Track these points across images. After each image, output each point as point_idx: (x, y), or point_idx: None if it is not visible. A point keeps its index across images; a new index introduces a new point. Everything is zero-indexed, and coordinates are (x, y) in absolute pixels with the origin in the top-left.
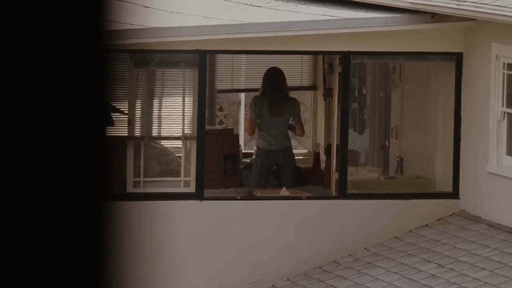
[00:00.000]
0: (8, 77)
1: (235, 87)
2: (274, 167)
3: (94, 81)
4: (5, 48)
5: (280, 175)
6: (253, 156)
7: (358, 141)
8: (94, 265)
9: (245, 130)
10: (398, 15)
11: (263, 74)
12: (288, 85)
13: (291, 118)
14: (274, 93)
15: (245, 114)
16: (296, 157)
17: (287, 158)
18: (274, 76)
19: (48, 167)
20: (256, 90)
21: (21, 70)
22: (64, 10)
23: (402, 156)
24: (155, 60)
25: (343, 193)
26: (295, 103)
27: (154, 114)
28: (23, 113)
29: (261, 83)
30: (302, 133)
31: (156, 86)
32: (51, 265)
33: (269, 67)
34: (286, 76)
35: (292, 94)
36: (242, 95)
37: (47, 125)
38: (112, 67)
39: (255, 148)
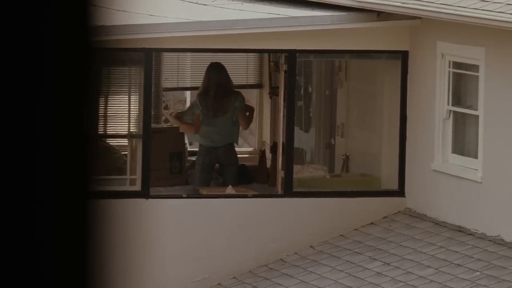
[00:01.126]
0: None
1: (181, 85)
2: (217, 164)
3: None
4: None
5: (223, 173)
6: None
7: (304, 139)
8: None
9: (193, 129)
10: (344, 13)
11: (205, 72)
12: (234, 83)
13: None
14: (217, 90)
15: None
16: (241, 155)
17: (229, 155)
18: (215, 72)
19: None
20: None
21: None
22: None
23: (348, 154)
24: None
25: (289, 191)
26: (237, 97)
27: (100, 112)
28: (12, 111)
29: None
30: (245, 126)
31: (102, 84)
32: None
33: (210, 63)
34: (232, 75)
35: (237, 91)
36: (188, 93)
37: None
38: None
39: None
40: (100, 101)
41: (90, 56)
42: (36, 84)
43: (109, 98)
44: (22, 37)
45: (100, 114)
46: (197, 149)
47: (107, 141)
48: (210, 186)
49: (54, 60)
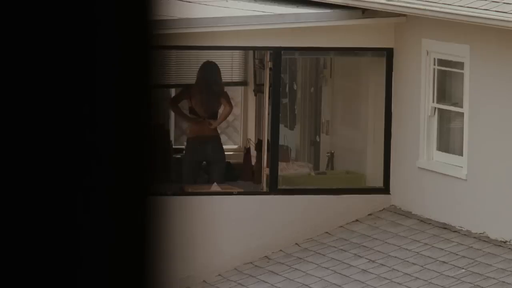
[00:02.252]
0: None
1: (165, 82)
2: (204, 162)
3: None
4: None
5: (210, 169)
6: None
7: (289, 137)
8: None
9: (170, 100)
10: (329, 10)
11: (193, 69)
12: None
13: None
14: (207, 90)
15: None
16: (227, 153)
17: (216, 151)
18: (208, 72)
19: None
20: (185, 86)
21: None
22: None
23: (332, 151)
24: None
25: (274, 189)
26: (222, 98)
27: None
28: (70, 108)
29: (193, 78)
30: (230, 109)
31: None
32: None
33: (204, 61)
34: (220, 71)
35: (225, 91)
36: (172, 91)
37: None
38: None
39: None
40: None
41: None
42: (93, 79)
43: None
44: (78, 33)
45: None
46: (181, 146)
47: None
48: (196, 183)
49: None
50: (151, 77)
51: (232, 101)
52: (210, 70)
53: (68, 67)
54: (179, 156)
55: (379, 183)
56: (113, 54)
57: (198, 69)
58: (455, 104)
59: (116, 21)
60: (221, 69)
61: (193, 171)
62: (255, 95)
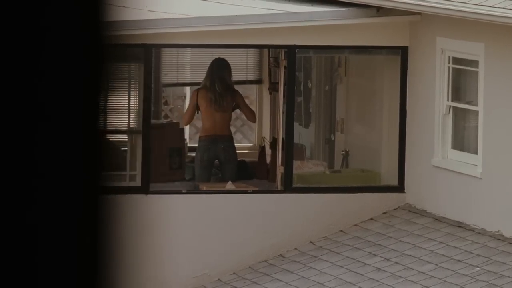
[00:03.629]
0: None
1: (181, 81)
2: (216, 160)
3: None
4: None
5: (222, 169)
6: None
7: (303, 135)
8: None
9: (182, 121)
10: (344, 9)
11: (209, 67)
12: (234, 79)
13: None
14: (218, 85)
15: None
16: (241, 151)
17: (228, 152)
18: (219, 68)
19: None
20: (201, 84)
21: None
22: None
23: (347, 149)
24: None
25: (288, 187)
26: (235, 95)
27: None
28: (18, 108)
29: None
30: (252, 118)
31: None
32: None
33: (215, 58)
34: (231, 69)
35: (238, 87)
36: (187, 89)
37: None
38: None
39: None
40: (107, 96)
41: (103, 51)
42: (40, 78)
43: (108, 94)
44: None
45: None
46: (196, 145)
47: (107, 137)
48: (209, 181)
49: (64, 55)
50: (102, 78)
51: (250, 111)
52: (220, 66)
53: (17, 67)
54: (193, 154)
55: (394, 182)
56: (62, 54)
57: (209, 65)
58: (469, 103)
59: (66, 22)
60: (236, 68)
61: (206, 170)
62: (270, 93)
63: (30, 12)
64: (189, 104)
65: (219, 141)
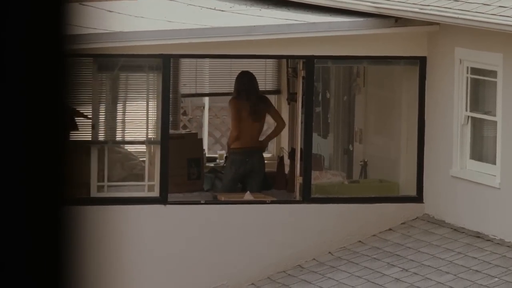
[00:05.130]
0: None
1: (199, 91)
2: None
3: (54, 86)
4: None
5: (249, 179)
6: (220, 160)
7: (322, 145)
8: (56, 270)
9: (230, 136)
10: (362, 19)
11: (227, 78)
12: None
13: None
14: (251, 97)
15: (209, 119)
16: None
17: (261, 162)
18: (251, 80)
19: (7, 171)
20: (219, 94)
21: None
22: (23, 13)
23: (366, 160)
24: (119, 64)
25: (307, 197)
26: (267, 101)
27: (118, 118)
28: None
29: (227, 87)
30: (283, 124)
31: (120, 90)
32: (13, 270)
33: (241, 71)
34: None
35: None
36: (206, 100)
37: (5, 129)
38: (72, 72)
39: (219, 152)
40: (117, 107)
41: (63, 62)
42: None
43: (127, 104)
44: None
45: (118, 121)
46: (215, 155)
47: (125, 147)
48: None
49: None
50: (63, 87)
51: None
52: (251, 78)
53: None
54: (212, 164)
55: (412, 192)
56: (22, 63)
57: (236, 79)
58: (488, 113)
59: (28, 32)
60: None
61: (235, 182)
62: (288, 103)
63: None
64: (232, 116)
65: (255, 153)
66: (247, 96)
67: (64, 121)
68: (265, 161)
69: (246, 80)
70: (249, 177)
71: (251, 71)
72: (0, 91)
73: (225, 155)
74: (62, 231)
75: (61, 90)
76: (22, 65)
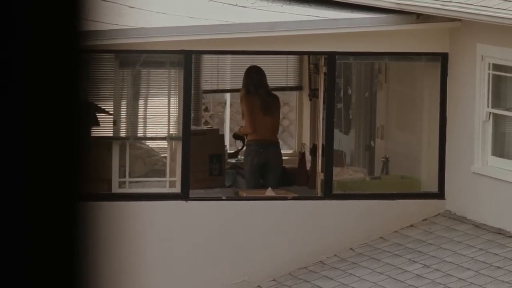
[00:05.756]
0: None
1: (221, 87)
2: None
3: (74, 82)
4: None
5: (268, 173)
6: (238, 155)
7: (343, 142)
8: (74, 266)
9: (246, 130)
10: (384, 15)
11: (245, 76)
12: (274, 85)
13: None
14: (264, 91)
15: (231, 114)
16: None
17: (276, 156)
18: (260, 75)
19: (29, 168)
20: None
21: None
22: (42, 9)
23: (387, 156)
24: (140, 60)
25: (328, 194)
26: (277, 99)
27: (139, 114)
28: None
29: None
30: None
31: (142, 86)
32: (31, 266)
33: (249, 66)
34: (271, 77)
35: (278, 94)
36: (228, 96)
37: (26, 125)
38: (91, 68)
39: (237, 147)
40: (139, 103)
41: (78, 58)
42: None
43: (148, 100)
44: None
45: (139, 117)
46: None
47: (147, 143)
48: (258, 187)
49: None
50: (78, 81)
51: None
52: (259, 73)
53: None
54: (233, 160)
55: (434, 188)
56: (34, 57)
57: (245, 74)
58: (510, 109)
59: (36, 26)
60: (276, 74)
61: (255, 174)
62: (310, 100)
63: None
64: (246, 111)
65: (270, 146)
66: (256, 90)
67: (81, 116)
68: (287, 157)
69: (254, 75)
70: (267, 171)
71: (259, 66)
72: (14, 87)
73: (238, 147)
74: (80, 226)
75: (77, 86)
76: (38, 61)
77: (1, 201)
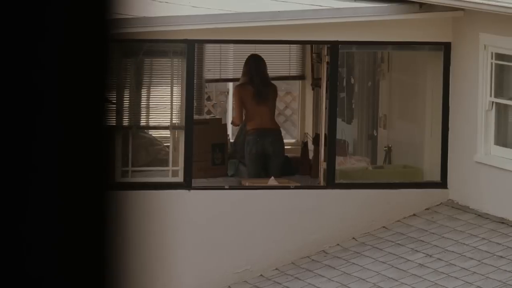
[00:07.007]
0: (7, 70)
1: (223, 76)
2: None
3: (97, 72)
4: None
5: (269, 163)
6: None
7: (346, 131)
8: (97, 257)
9: (233, 120)
10: (386, 5)
11: (244, 64)
12: (276, 75)
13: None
14: (260, 79)
15: (233, 104)
16: (284, 147)
17: (276, 145)
18: (257, 63)
19: (48, 161)
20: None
21: (20, 63)
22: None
23: (390, 145)
24: (143, 49)
25: (331, 183)
26: (275, 89)
27: (142, 103)
28: (24, 104)
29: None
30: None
31: (144, 75)
32: (48, 259)
33: (250, 55)
34: (274, 66)
35: (280, 83)
36: (230, 85)
37: (45, 118)
38: (111, 57)
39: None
40: (141, 93)
41: (108, 48)
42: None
43: (151, 90)
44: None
45: (142, 106)
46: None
47: (150, 132)
48: (260, 176)
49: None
50: (106, 76)
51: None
52: (257, 61)
53: (18, 66)
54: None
55: (437, 178)
56: (69, 52)
57: (244, 62)
58: None
59: (74, 19)
60: (278, 64)
61: (255, 163)
62: (313, 89)
63: (32, 8)
64: (235, 103)
65: (267, 134)
66: (251, 79)
67: (107, 106)
68: (289, 147)
69: (252, 63)
70: (268, 160)
71: (260, 55)
72: (41, 78)
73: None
74: (103, 215)
75: (102, 76)
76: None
77: (35, 191)
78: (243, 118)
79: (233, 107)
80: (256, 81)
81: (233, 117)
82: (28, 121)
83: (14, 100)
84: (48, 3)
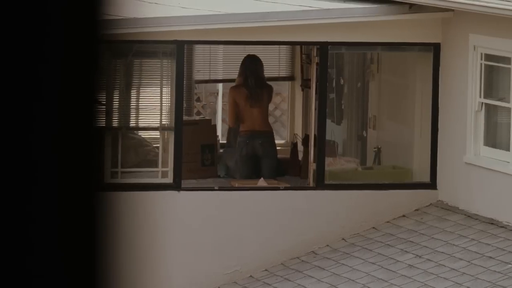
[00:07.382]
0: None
1: (213, 77)
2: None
3: (88, 73)
4: None
5: (260, 165)
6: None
7: (335, 132)
8: (89, 259)
9: (228, 122)
10: (376, 5)
11: (240, 64)
12: (266, 75)
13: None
14: (255, 80)
15: (223, 105)
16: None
17: (266, 147)
18: (253, 64)
19: (43, 162)
20: (233, 80)
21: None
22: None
23: (379, 146)
24: (132, 50)
25: (320, 184)
26: (271, 91)
27: (131, 104)
28: (16, 105)
29: (238, 72)
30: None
31: (134, 76)
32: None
33: (246, 55)
34: (264, 67)
35: (270, 84)
36: (220, 86)
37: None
38: (102, 58)
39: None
40: (131, 94)
41: (98, 49)
42: (40, 78)
43: (140, 91)
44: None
45: (131, 107)
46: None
47: (139, 133)
48: (250, 178)
49: (59, 53)
50: (96, 77)
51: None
52: (253, 62)
53: (14, 66)
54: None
55: (426, 178)
56: (60, 53)
57: (241, 63)
58: (502, 99)
59: (65, 20)
60: (268, 64)
61: (245, 165)
62: (302, 90)
63: (28, 9)
64: (229, 104)
65: (257, 137)
66: (246, 80)
67: (97, 106)
68: (279, 148)
69: (248, 64)
70: (258, 161)
71: (257, 55)
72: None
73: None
74: (101, 216)
75: (93, 77)
76: (54, 53)
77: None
78: (235, 118)
79: (223, 108)
80: (251, 82)
81: (228, 119)
82: (21, 123)
83: (8, 102)
84: (41, 5)
